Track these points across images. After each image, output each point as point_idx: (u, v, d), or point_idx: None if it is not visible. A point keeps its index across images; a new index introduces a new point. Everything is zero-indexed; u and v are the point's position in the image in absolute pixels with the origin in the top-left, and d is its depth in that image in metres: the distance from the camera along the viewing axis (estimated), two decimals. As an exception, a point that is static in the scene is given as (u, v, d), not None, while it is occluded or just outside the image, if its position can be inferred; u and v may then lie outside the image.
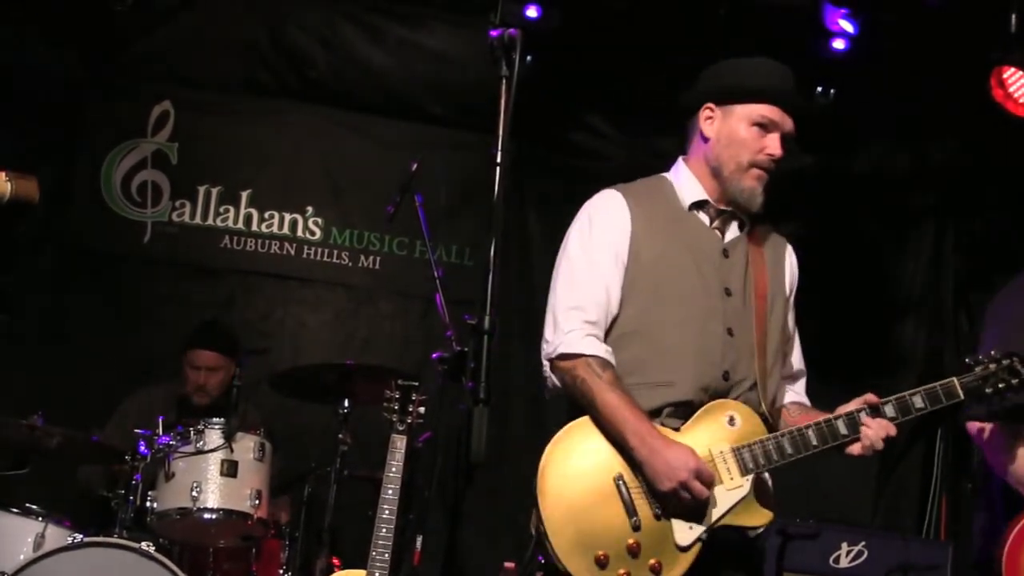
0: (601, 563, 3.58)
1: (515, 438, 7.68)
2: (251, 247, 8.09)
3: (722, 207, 3.96)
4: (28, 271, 7.67)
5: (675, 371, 3.78)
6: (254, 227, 8.09)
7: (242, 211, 8.08)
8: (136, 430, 5.83)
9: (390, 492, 5.41)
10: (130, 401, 6.86)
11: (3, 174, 3.99)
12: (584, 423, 3.76)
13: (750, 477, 3.69)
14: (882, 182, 8.29)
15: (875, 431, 3.74)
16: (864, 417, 3.76)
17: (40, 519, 5.53)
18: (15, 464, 5.83)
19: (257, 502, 5.73)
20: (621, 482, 3.65)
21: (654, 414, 3.74)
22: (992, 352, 3.87)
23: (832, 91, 7.63)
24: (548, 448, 3.74)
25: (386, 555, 5.35)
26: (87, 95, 7.94)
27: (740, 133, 3.88)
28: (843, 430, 3.76)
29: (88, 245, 7.88)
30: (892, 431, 3.76)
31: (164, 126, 8.03)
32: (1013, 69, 6.72)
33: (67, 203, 7.79)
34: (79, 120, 7.93)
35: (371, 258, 8.20)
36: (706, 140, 3.96)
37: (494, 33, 3.13)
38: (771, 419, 3.84)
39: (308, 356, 7.76)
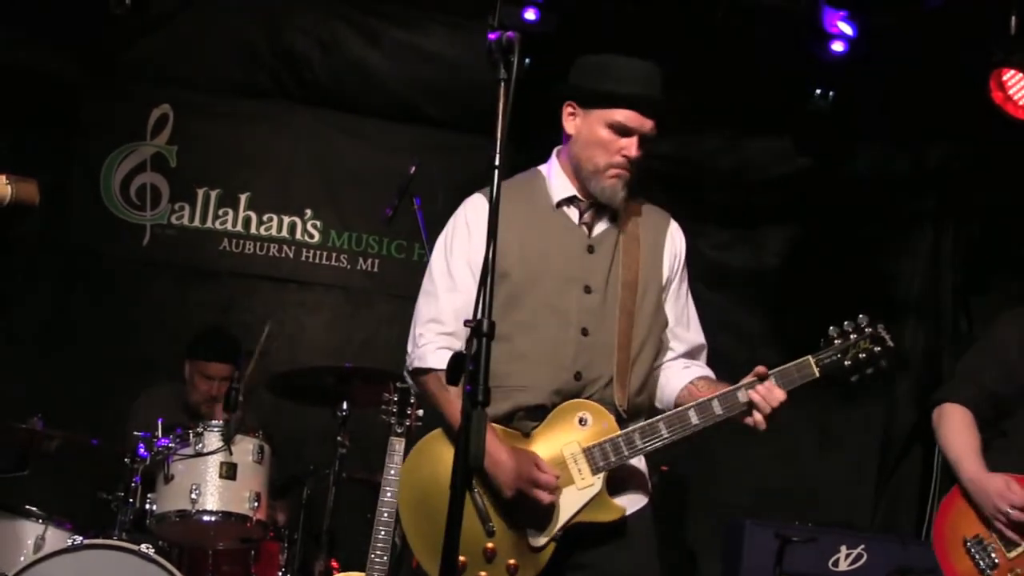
0: (460, 568, 3.70)
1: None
2: (250, 250, 8.09)
3: (590, 200, 4.01)
4: (28, 273, 7.67)
5: (527, 375, 3.85)
6: (253, 230, 8.10)
7: (241, 214, 8.09)
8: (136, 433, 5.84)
9: (389, 495, 5.42)
10: (140, 405, 6.84)
11: (3, 177, 3.99)
12: (438, 435, 3.91)
13: (601, 475, 3.78)
14: (881, 185, 8.29)
15: (765, 396, 3.77)
16: (758, 387, 3.77)
17: (40, 521, 5.54)
18: (15, 466, 5.83)
19: (256, 504, 5.72)
20: (475, 491, 3.76)
21: (507, 418, 3.85)
22: (858, 318, 3.88)
23: (831, 93, 7.64)
24: (405, 463, 3.95)
25: (384, 557, 5.35)
26: (86, 98, 7.94)
27: (597, 134, 3.92)
28: (694, 419, 3.80)
29: (87, 247, 7.88)
30: (782, 398, 3.77)
31: (163, 129, 8.04)
32: (1013, 71, 6.71)
33: (66, 206, 7.80)
34: (78, 123, 7.93)
35: (369, 261, 8.21)
36: (568, 138, 4.02)
37: (492, 36, 3.13)
38: (629, 413, 3.89)
39: (307, 359, 7.77)
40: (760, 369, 3.81)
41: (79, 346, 7.74)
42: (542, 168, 4.14)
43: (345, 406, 6.08)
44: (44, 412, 5.73)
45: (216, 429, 5.77)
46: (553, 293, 3.91)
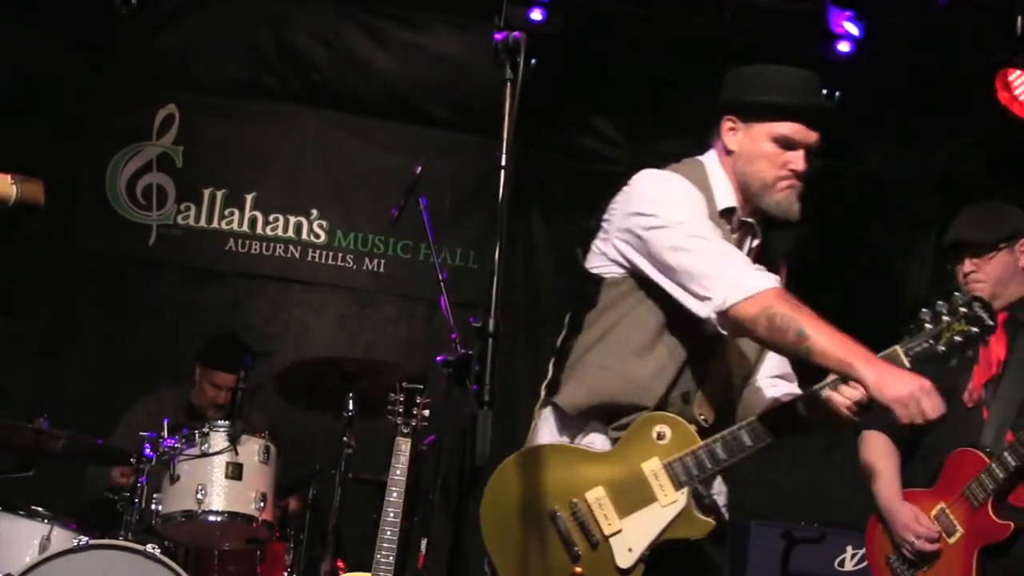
0: None
1: (519, 441, 7.64)
2: (256, 250, 8.10)
3: (744, 218, 3.85)
4: (33, 274, 7.68)
5: (649, 377, 3.70)
6: (259, 230, 8.11)
7: (247, 214, 8.09)
8: (142, 433, 5.84)
9: (395, 495, 5.41)
10: (139, 405, 6.86)
11: (9, 177, 4.00)
12: (517, 459, 3.75)
13: (685, 490, 3.62)
14: (887, 185, 8.28)
15: (848, 395, 3.57)
16: (840, 387, 3.57)
17: (45, 521, 5.53)
18: (21, 466, 5.83)
19: (262, 504, 5.72)
20: (557, 515, 3.63)
21: (616, 410, 3.70)
22: (953, 296, 3.54)
23: (837, 94, 7.62)
24: (487, 488, 3.73)
25: (390, 558, 5.35)
26: (92, 98, 7.96)
27: (762, 150, 3.76)
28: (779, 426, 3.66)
29: (93, 248, 7.90)
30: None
31: (169, 129, 8.05)
32: (1019, 71, 6.71)
33: (72, 206, 7.80)
34: (84, 123, 7.94)
35: (375, 261, 8.21)
36: (729, 152, 3.84)
37: (498, 36, 3.12)
38: (711, 425, 3.74)
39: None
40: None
41: (85, 346, 7.75)
42: (706, 163, 3.91)
43: (351, 406, 6.07)
44: (50, 412, 5.73)
45: (222, 429, 5.76)
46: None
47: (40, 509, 5.59)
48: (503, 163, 3.08)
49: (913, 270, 8.46)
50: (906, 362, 3.51)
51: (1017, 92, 6.77)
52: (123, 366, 7.67)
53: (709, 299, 3.56)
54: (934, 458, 4.81)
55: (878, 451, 4.99)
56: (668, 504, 3.62)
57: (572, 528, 3.63)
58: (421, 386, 5.65)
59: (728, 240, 3.77)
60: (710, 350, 3.74)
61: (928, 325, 3.54)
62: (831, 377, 3.59)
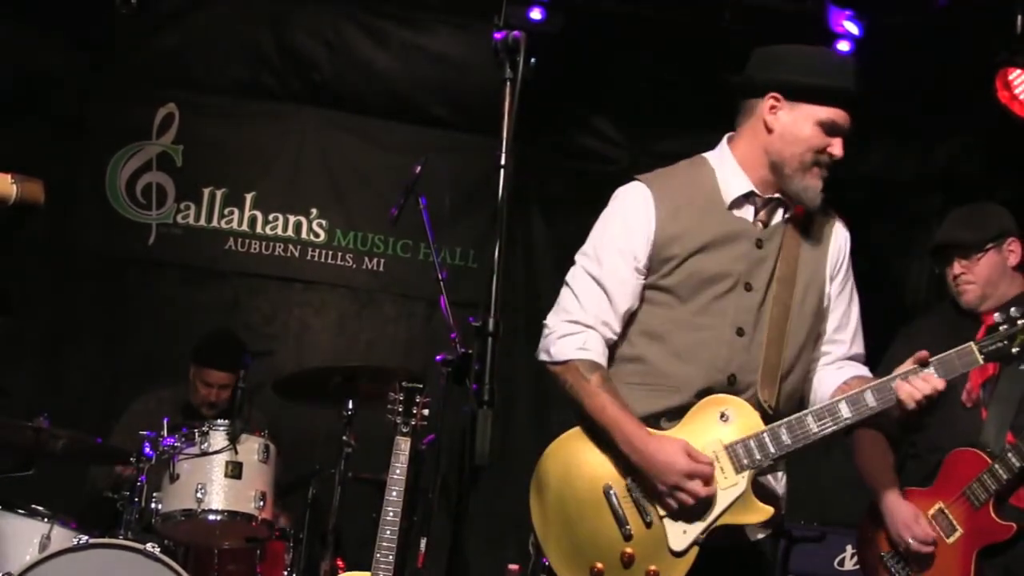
0: (597, 574, 3.57)
1: (519, 440, 7.68)
2: (255, 249, 8.10)
3: (768, 195, 3.81)
4: (33, 273, 7.68)
5: (680, 376, 3.68)
6: (258, 229, 8.11)
7: (246, 213, 8.09)
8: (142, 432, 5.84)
9: (394, 494, 5.41)
10: (137, 404, 6.87)
11: (9, 176, 4.00)
12: (572, 435, 3.74)
13: (746, 474, 3.58)
14: (887, 185, 8.28)
15: (919, 387, 3.59)
16: (911, 378, 3.59)
17: (45, 520, 5.53)
18: (21, 466, 5.82)
19: (261, 503, 5.72)
20: (611, 492, 3.60)
21: (653, 418, 3.67)
22: (1021, 304, 3.64)
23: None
24: (539, 463, 3.74)
25: (390, 557, 5.35)
26: (92, 97, 7.96)
27: (806, 132, 3.73)
28: (845, 413, 3.62)
29: (93, 247, 7.90)
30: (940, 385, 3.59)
31: (169, 128, 8.05)
32: (1019, 71, 6.71)
33: (72, 205, 7.80)
34: (84, 122, 7.94)
35: (375, 260, 8.21)
36: (769, 131, 3.78)
37: (498, 36, 3.12)
38: (776, 412, 3.70)
39: (312, 358, 7.78)
40: (922, 354, 3.63)
41: (85, 345, 7.76)
42: (710, 159, 3.91)
43: (351, 405, 6.07)
44: (50, 411, 5.73)
45: (222, 428, 5.77)
46: (716, 291, 3.73)
47: (40, 508, 5.59)
48: (503, 162, 3.08)
49: (913, 270, 8.46)
50: (980, 359, 3.62)
51: (1017, 91, 6.76)
52: (123, 365, 7.67)
53: (541, 346, 3.83)
54: (930, 457, 4.81)
55: (874, 449, 5.00)
56: (728, 487, 3.57)
57: (626, 506, 3.60)
58: (421, 385, 5.64)
59: (750, 225, 3.79)
60: (745, 330, 3.72)
61: (1003, 327, 3.62)
62: (906, 366, 3.63)
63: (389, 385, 5.64)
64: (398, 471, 5.44)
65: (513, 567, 6.52)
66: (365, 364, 6.42)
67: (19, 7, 7.34)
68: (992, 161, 7.99)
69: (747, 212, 3.81)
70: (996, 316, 3.65)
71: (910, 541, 4.63)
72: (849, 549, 6.84)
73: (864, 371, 3.90)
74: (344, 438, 6.02)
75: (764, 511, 3.60)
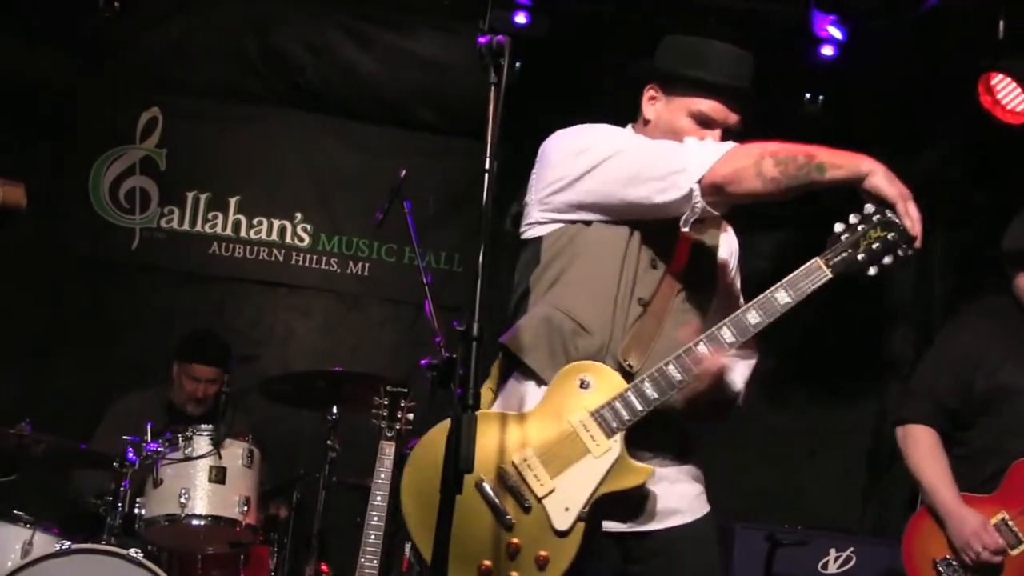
0: (487, 573, 3.39)
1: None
2: (240, 253, 8.08)
3: None
4: (16, 277, 7.65)
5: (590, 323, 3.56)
6: (243, 233, 8.10)
7: (231, 217, 8.08)
8: (125, 436, 5.82)
9: (379, 499, 5.41)
10: (118, 406, 6.84)
11: (-9, 180, 3.99)
12: (434, 434, 3.49)
13: (618, 436, 3.43)
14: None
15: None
16: (699, 349, 3.44)
17: (28, 526, 5.51)
18: (3, 471, 5.81)
19: (245, 508, 5.71)
20: (482, 484, 3.41)
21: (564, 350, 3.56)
22: (864, 208, 3.50)
23: (820, 98, 7.64)
24: (404, 474, 3.55)
25: (375, 561, 5.35)
26: (75, 101, 7.93)
27: (677, 123, 3.68)
28: (701, 349, 3.45)
29: (76, 251, 7.87)
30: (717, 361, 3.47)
31: (152, 132, 8.03)
32: (1001, 76, 6.73)
33: (55, 209, 7.78)
34: (67, 126, 7.92)
35: (360, 264, 8.21)
36: (646, 122, 3.80)
37: (483, 40, 3.12)
38: (635, 371, 3.53)
39: (297, 363, 7.77)
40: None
41: (68, 350, 7.73)
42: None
43: (335, 410, 6.07)
44: (32, 416, 5.71)
45: (205, 433, 5.76)
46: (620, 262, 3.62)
47: (22, 514, 5.58)
48: (487, 166, 3.08)
49: (897, 275, 8.47)
50: (828, 272, 3.47)
51: (1000, 96, 6.78)
52: (107, 370, 7.64)
53: (683, 171, 3.48)
54: (989, 459, 4.71)
55: (928, 448, 4.83)
56: (602, 454, 3.44)
57: (502, 496, 3.42)
58: (405, 389, 5.64)
59: None
60: (649, 299, 3.61)
61: (844, 236, 3.49)
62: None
63: (374, 389, 5.64)
64: (383, 475, 5.44)
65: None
66: (350, 369, 6.41)
67: (2, 10, 7.32)
68: (976, 166, 8.00)
69: None
70: (837, 226, 3.50)
71: (980, 551, 4.51)
72: (833, 552, 6.85)
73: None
74: (329, 442, 6.03)
75: (643, 471, 3.46)
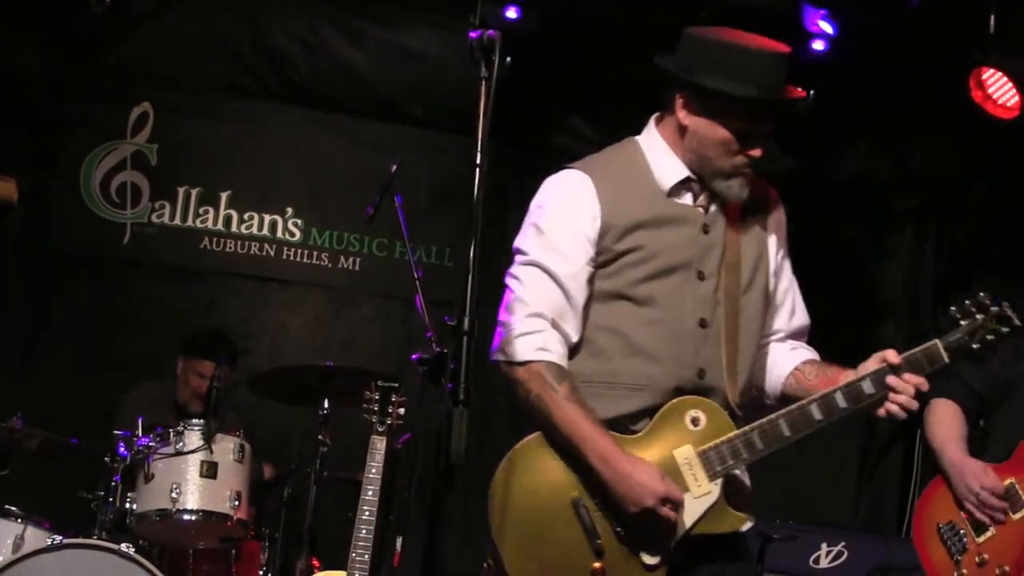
0: None
1: (495, 439, 7.66)
2: (231, 248, 8.08)
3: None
4: (7, 272, 7.64)
5: (648, 374, 3.49)
6: (234, 228, 8.08)
7: (222, 212, 8.07)
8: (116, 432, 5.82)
9: (370, 493, 5.41)
10: (134, 394, 6.82)
11: (-19, 175, 3.99)
12: (534, 442, 3.51)
13: (719, 481, 3.43)
14: (862, 185, 8.30)
15: (903, 389, 3.46)
16: (890, 378, 3.45)
17: (19, 521, 5.51)
18: (-6, 466, 5.82)
19: (237, 503, 5.71)
20: (580, 504, 3.41)
21: (619, 422, 3.49)
22: (979, 296, 3.53)
23: (812, 93, 7.64)
24: (498, 472, 3.52)
25: (366, 556, 5.35)
26: (66, 96, 7.92)
27: (718, 137, 3.53)
28: (817, 415, 3.49)
29: (67, 246, 7.86)
30: (923, 385, 3.47)
31: (143, 127, 8.01)
32: (992, 71, 6.74)
33: (46, 204, 7.77)
34: (58, 121, 7.91)
35: (351, 259, 8.20)
36: (683, 129, 3.60)
37: (473, 35, 3.12)
38: (742, 409, 3.57)
39: (288, 358, 7.76)
40: (890, 357, 3.48)
41: (59, 345, 7.72)
42: (640, 142, 3.74)
43: (326, 405, 6.07)
44: (24, 411, 5.71)
45: (197, 428, 5.75)
46: (673, 282, 3.53)
47: (14, 508, 5.58)
48: (478, 161, 3.08)
49: (889, 271, 8.48)
50: (946, 356, 3.49)
51: (990, 91, 6.79)
52: (98, 365, 7.64)
53: (495, 345, 3.56)
54: (1010, 439, 4.73)
55: (947, 415, 4.89)
56: (701, 495, 3.42)
57: (596, 519, 3.40)
58: (396, 384, 5.64)
59: (683, 209, 3.61)
60: (708, 321, 3.56)
61: (962, 322, 3.53)
62: (872, 364, 3.51)
63: (365, 384, 5.63)
64: (374, 470, 5.44)
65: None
66: (341, 363, 6.41)
67: (-8, 6, 7.32)
68: (967, 161, 8.02)
69: (687, 198, 3.64)
70: (951, 309, 3.55)
71: (979, 490, 4.54)
72: (824, 547, 6.85)
73: (813, 354, 3.80)
74: (320, 437, 6.03)
75: (738, 519, 3.47)
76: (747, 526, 3.49)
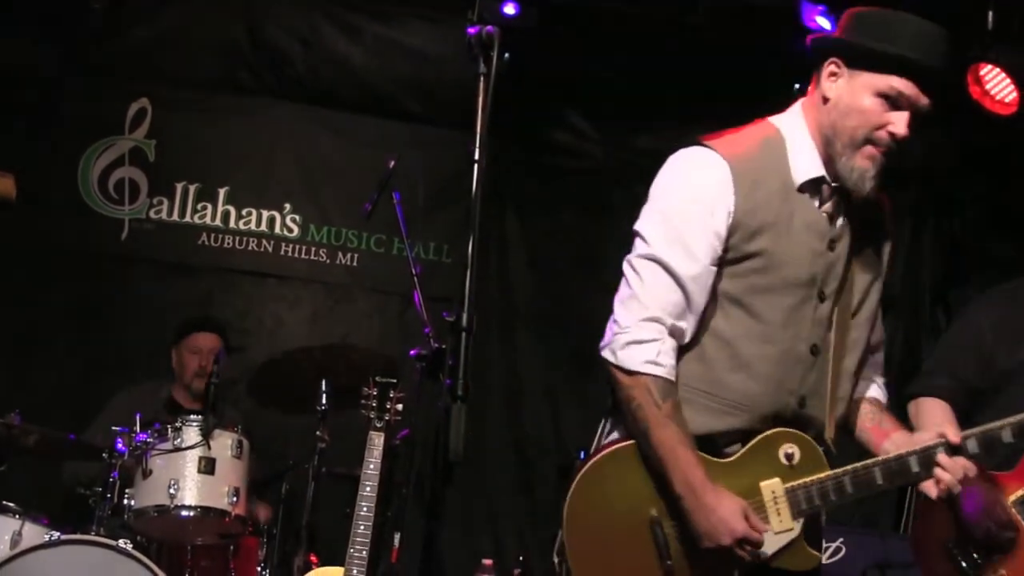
0: None
1: (493, 435, 7.68)
2: (229, 244, 8.07)
3: (835, 183, 3.42)
4: (4, 268, 7.63)
5: (749, 394, 3.36)
6: (232, 224, 8.08)
7: (220, 208, 8.07)
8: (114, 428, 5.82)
9: (368, 489, 5.41)
10: (116, 399, 6.82)
11: (-21, 171, 3.98)
12: (624, 453, 3.38)
13: (801, 520, 3.35)
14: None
15: (952, 472, 3.35)
16: (940, 456, 3.37)
17: (17, 517, 5.50)
18: (-8, 462, 5.81)
19: (235, 499, 5.71)
20: (656, 523, 3.32)
21: (713, 439, 3.38)
22: None
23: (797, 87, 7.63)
24: (581, 474, 3.40)
25: (364, 552, 5.35)
26: (64, 92, 7.90)
27: (863, 103, 3.32)
28: (915, 468, 3.39)
29: (65, 242, 7.85)
30: (972, 471, 3.37)
31: (141, 123, 8.01)
32: (990, 66, 6.74)
33: (44, 200, 7.75)
34: (56, 117, 7.89)
35: (349, 255, 8.20)
36: (825, 100, 3.40)
37: (472, 31, 3.11)
38: (836, 445, 3.49)
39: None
40: (952, 437, 3.40)
41: (57, 341, 7.72)
42: (781, 127, 3.50)
43: (324, 401, 6.07)
44: (22, 407, 5.71)
45: (195, 424, 5.75)
46: (791, 299, 3.37)
47: (12, 505, 5.57)
48: (476, 158, 3.07)
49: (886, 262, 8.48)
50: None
51: (989, 87, 6.79)
52: (96, 361, 7.63)
53: (606, 340, 3.40)
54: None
55: (942, 419, 4.61)
56: (781, 531, 3.34)
57: (671, 540, 3.31)
58: (394, 380, 5.65)
59: (814, 216, 3.41)
60: (819, 348, 3.42)
61: None
62: (941, 436, 3.42)
63: (363, 377, 5.64)
64: (372, 466, 5.44)
65: (487, 562, 6.53)
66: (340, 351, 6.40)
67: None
68: (965, 156, 8.02)
69: (814, 199, 3.43)
70: None
71: (990, 526, 4.37)
72: (822, 543, 6.85)
73: (882, 393, 3.73)
74: (318, 433, 6.03)
75: (812, 558, 3.39)
76: (816, 564, 3.41)
